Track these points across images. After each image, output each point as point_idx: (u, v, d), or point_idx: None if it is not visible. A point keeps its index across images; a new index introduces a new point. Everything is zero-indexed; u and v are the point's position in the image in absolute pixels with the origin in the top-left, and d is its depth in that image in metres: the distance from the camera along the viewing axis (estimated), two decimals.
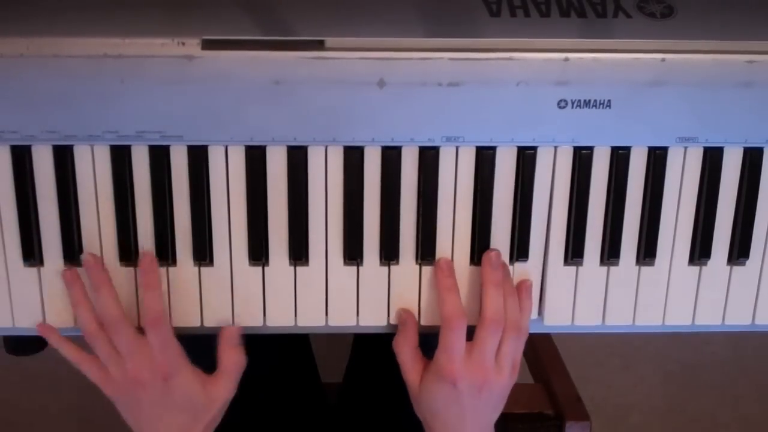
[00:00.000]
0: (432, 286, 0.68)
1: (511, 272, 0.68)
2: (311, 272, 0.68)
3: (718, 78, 0.63)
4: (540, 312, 0.70)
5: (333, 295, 0.68)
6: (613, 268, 0.69)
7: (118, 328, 0.64)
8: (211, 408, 0.67)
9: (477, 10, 0.64)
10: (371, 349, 0.98)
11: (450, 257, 0.68)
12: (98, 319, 0.65)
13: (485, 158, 0.65)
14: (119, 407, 0.67)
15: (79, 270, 0.66)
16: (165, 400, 0.65)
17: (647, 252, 0.68)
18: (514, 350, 0.66)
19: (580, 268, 0.69)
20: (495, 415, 0.69)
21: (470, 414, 0.66)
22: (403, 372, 0.68)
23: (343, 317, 0.69)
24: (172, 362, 0.65)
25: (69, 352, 0.67)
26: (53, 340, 0.67)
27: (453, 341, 0.64)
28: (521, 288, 0.68)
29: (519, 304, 0.67)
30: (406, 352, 0.68)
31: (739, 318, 0.71)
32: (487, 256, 0.67)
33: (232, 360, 0.68)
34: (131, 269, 0.67)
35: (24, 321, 0.68)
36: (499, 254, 0.67)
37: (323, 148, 0.65)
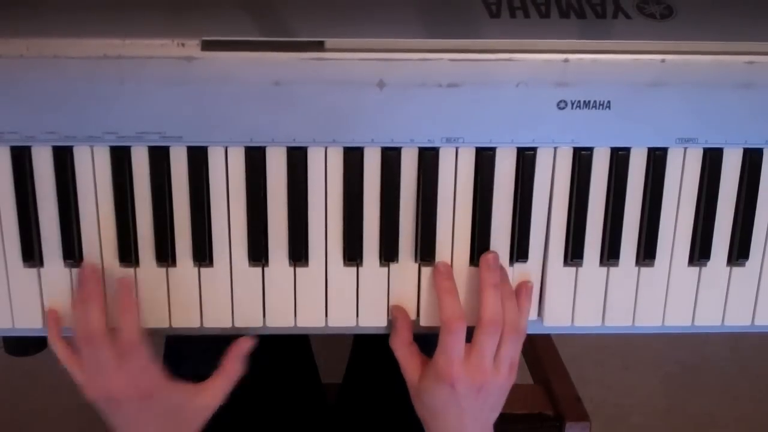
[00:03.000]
0: (432, 287, 0.68)
1: (510, 273, 0.68)
2: (311, 273, 0.68)
3: (718, 79, 0.63)
4: (540, 312, 0.70)
5: (332, 296, 0.68)
6: (612, 269, 0.69)
7: (98, 344, 0.64)
8: (197, 417, 0.68)
9: (477, 10, 0.64)
10: (371, 350, 0.98)
11: (449, 258, 0.68)
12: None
13: (485, 159, 0.65)
14: (100, 411, 0.67)
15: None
16: (145, 413, 0.66)
17: (647, 253, 0.68)
18: (512, 352, 0.66)
19: (579, 268, 0.69)
20: (494, 415, 0.69)
21: (469, 415, 0.66)
22: (403, 370, 0.68)
23: (343, 318, 0.69)
24: (152, 383, 0.65)
25: (59, 350, 0.67)
26: (51, 335, 0.67)
27: (452, 344, 0.64)
28: (521, 290, 0.68)
29: (518, 306, 0.67)
30: (402, 349, 0.68)
31: (738, 318, 0.71)
32: (484, 258, 0.67)
33: (233, 370, 0.68)
34: (131, 270, 0.67)
35: (24, 321, 0.68)
36: (496, 256, 0.67)
37: (323, 149, 0.65)
